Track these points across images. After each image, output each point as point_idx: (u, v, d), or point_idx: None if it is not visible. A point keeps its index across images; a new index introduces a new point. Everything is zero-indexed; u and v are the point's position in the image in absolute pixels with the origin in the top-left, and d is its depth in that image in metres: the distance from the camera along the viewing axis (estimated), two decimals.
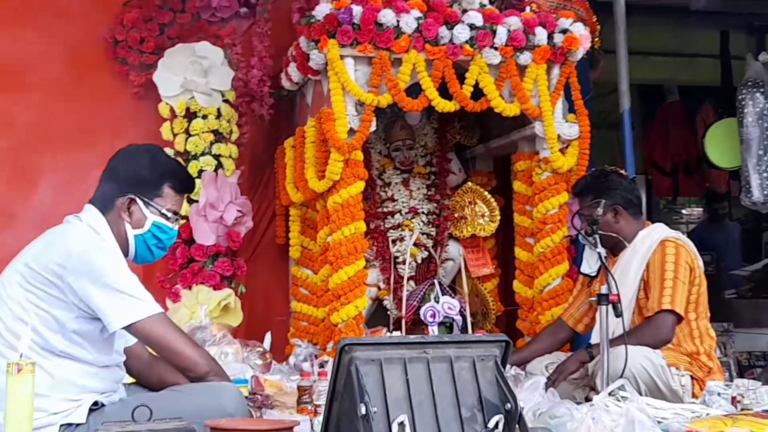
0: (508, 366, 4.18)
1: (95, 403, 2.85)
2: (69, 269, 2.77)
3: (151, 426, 2.45)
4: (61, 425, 2.78)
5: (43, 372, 2.77)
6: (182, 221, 5.10)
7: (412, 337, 2.60)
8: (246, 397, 3.77)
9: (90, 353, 2.86)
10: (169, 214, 3.09)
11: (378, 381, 2.46)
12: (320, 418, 2.70)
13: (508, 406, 2.49)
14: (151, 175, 3.06)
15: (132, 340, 3.05)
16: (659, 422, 2.96)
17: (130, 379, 3.26)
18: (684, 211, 11.01)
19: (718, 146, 6.51)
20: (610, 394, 3.08)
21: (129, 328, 2.84)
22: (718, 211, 8.82)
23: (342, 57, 4.61)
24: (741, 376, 6.23)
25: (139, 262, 3.13)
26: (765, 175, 5.79)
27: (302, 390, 3.83)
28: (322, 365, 4.31)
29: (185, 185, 3.17)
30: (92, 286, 2.77)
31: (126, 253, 3.05)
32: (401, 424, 2.38)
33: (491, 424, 2.46)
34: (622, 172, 4.34)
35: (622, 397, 3.00)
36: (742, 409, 3.42)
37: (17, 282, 2.82)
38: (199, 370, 2.92)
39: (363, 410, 2.35)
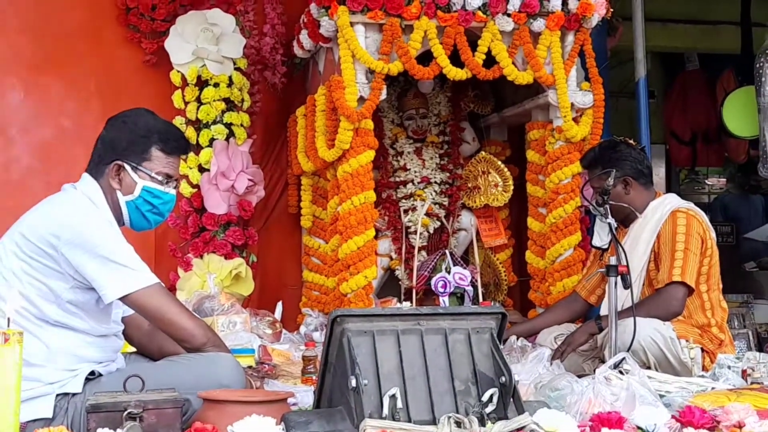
0: (514, 337, 4.19)
1: (92, 373, 2.84)
2: (63, 240, 2.75)
3: (142, 396, 2.44)
4: (57, 395, 2.76)
5: (39, 342, 2.77)
6: (193, 190, 5.12)
7: (406, 309, 2.57)
8: (251, 367, 3.79)
9: (86, 323, 2.84)
10: (160, 178, 3.00)
11: (370, 353, 2.43)
12: None
13: (503, 379, 2.46)
14: (137, 138, 2.98)
15: (132, 310, 3.03)
16: (662, 396, 2.91)
17: (132, 349, 3.26)
18: (708, 182, 10.88)
19: (736, 115, 6.39)
20: (614, 367, 3.03)
21: (124, 300, 2.82)
22: (747, 183, 8.70)
23: (352, 24, 4.56)
24: (760, 348, 6.18)
25: (136, 230, 3.08)
26: None
27: (307, 360, 3.83)
28: None
29: (174, 146, 3.05)
30: (86, 257, 2.75)
31: (120, 221, 3.01)
32: (393, 396, 2.36)
33: (485, 398, 2.43)
34: (632, 142, 4.26)
35: (625, 370, 2.95)
36: (752, 383, 3.37)
37: (12, 251, 2.80)
38: (196, 341, 2.89)
39: (353, 382, 2.33)
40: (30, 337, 2.77)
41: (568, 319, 4.48)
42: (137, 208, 3.00)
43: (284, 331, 4.79)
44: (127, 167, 2.97)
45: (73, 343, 2.82)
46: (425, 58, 4.69)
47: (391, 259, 5.29)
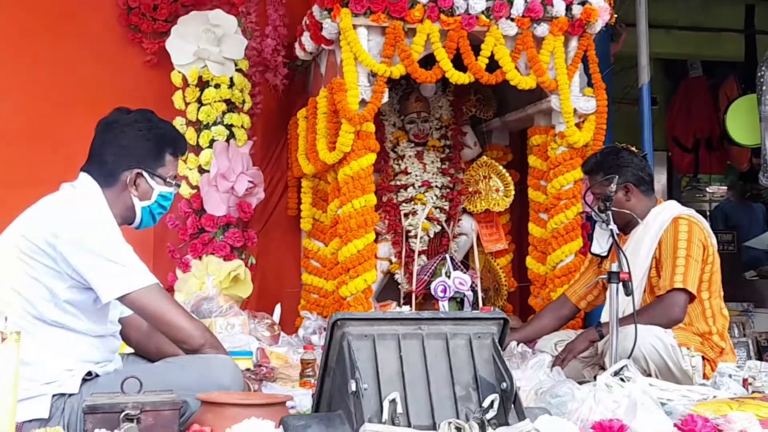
0: (514, 343, 4.16)
1: (89, 373, 2.81)
2: (62, 239, 2.72)
3: (139, 398, 2.41)
4: (54, 395, 2.73)
5: (36, 341, 2.74)
6: (193, 191, 5.11)
7: (407, 313, 2.54)
8: (249, 370, 3.76)
9: (83, 323, 2.82)
10: (171, 181, 3.06)
11: (370, 357, 2.41)
12: None
13: (504, 385, 2.43)
14: (153, 146, 3.01)
15: (130, 311, 3.01)
16: (663, 404, 2.88)
17: (129, 349, 3.23)
18: (709, 189, 10.86)
19: (739, 123, 6.40)
20: (615, 374, 3.00)
21: (122, 299, 2.79)
22: (745, 192, 8.69)
23: (355, 26, 4.55)
24: (760, 356, 6.15)
25: (140, 229, 3.11)
26: None
27: (305, 363, 3.80)
28: None
29: (183, 149, 3.13)
30: (85, 257, 2.72)
31: (127, 222, 3.03)
32: (393, 401, 2.33)
33: (486, 404, 2.40)
34: (633, 149, 4.24)
35: (626, 377, 2.92)
36: (753, 392, 3.34)
37: (11, 251, 2.78)
38: (194, 342, 2.86)
39: (353, 387, 2.30)
40: (27, 337, 2.74)
41: (558, 324, 4.41)
42: (151, 212, 3.04)
43: (282, 333, 4.77)
44: (146, 175, 3.00)
45: (70, 343, 2.79)
46: (427, 61, 4.68)
47: (391, 262, 5.27)
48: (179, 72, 5.17)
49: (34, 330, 2.74)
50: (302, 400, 3.36)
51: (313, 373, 3.71)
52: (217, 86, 5.16)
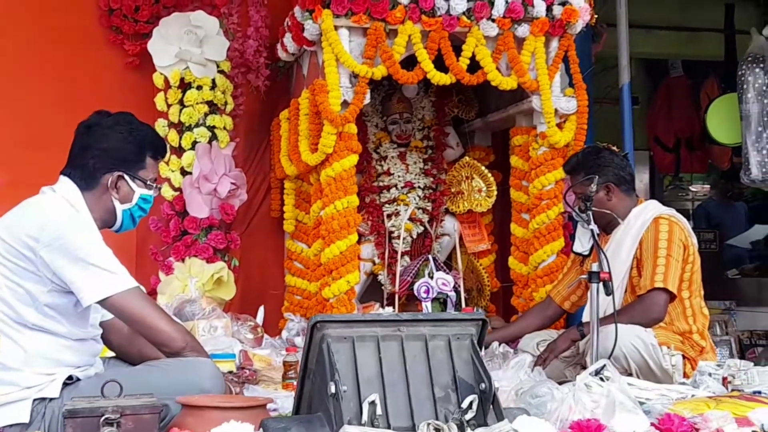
0: (496, 343, 4.18)
1: (70, 378, 2.82)
2: (42, 242, 2.73)
3: (120, 402, 2.42)
4: (35, 399, 2.74)
5: (16, 346, 2.74)
6: (175, 193, 5.10)
7: (386, 315, 2.56)
8: (232, 372, 3.77)
9: (64, 326, 2.82)
10: (151, 183, 3.08)
11: (350, 359, 2.42)
12: None
13: (483, 386, 2.44)
14: (134, 149, 3.02)
15: (111, 314, 3.01)
16: (642, 403, 2.90)
17: (111, 353, 3.23)
18: (691, 188, 10.92)
19: (719, 122, 6.44)
20: (595, 373, 3.02)
21: (103, 303, 2.80)
22: (730, 190, 8.75)
23: (336, 28, 4.56)
24: (742, 355, 6.19)
25: (120, 232, 3.12)
26: (764, 152, 5.69)
27: (288, 365, 3.81)
28: None
29: (163, 152, 3.17)
30: (65, 260, 2.73)
31: (108, 225, 3.04)
32: (372, 403, 2.34)
33: (465, 404, 2.41)
34: (615, 148, 4.27)
35: (606, 377, 2.93)
36: (733, 390, 3.37)
37: None
38: (175, 345, 2.87)
39: (332, 389, 2.31)
40: (7, 341, 2.76)
41: (542, 324, 4.46)
42: (131, 214, 3.06)
43: (266, 335, 4.77)
44: (127, 177, 3.01)
45: (50, 347, 2.80)
46: (409, 62, 4.69)
47: (374, 263, 5.28)
48: (161, 74, 5.15)
49: (14, 334, 2.75)
50: (285, 402, 3.37)
51: (296, 375, 3.71)
52: (199, 88, 5.14)
